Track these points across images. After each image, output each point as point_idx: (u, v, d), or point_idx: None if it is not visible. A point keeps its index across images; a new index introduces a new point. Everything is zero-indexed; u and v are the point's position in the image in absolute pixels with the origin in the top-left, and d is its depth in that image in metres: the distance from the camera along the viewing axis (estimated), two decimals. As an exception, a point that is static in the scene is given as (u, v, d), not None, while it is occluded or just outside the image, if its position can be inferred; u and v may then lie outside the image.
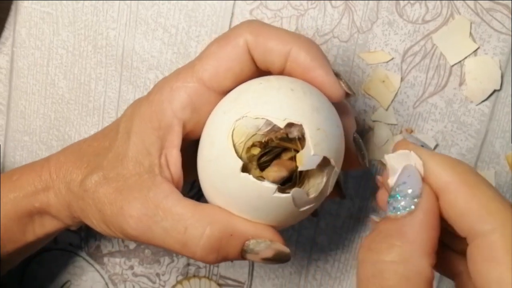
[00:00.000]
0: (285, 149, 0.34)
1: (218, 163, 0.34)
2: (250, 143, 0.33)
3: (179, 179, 0.36)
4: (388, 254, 0.30)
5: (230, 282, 0.49)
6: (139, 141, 0.36)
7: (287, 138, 0.33)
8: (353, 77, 0.43)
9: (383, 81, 0.43)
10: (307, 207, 0.34)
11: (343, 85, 0.35)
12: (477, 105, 0.43)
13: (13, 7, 0.46)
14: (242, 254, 0.35)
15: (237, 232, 0.34)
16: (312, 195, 0.34)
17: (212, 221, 0.34)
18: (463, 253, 0.31)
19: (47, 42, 0.46)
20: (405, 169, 0.32)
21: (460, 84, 0.42)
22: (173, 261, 0.49)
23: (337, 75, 0.35)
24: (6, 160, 0.49)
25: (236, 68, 0.35)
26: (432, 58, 0.42)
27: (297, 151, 0.33)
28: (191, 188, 0.38)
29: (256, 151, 0.33)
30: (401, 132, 0.44)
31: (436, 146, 0.44)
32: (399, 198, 0.31)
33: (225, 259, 0.35)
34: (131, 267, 0.50)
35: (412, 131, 0.44)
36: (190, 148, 0.37)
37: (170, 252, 0.48)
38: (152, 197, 0.35)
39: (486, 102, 0.43)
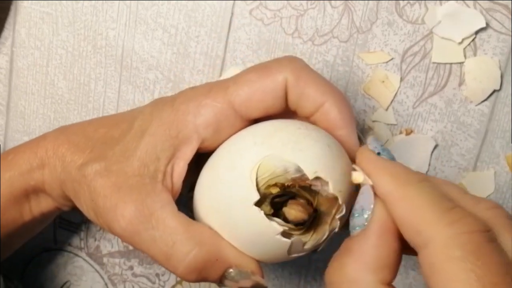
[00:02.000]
0: (295, 196, 0.34)
1: (233, 188, 0.33)
2: (273, 181, 0.33)
3: (177, 191, 0.36)
4: (340, 273, 0.31)
5: (229, 282, 0.49)
6: (152, 144, 0.36)
7: (308, 188, 0.33)
8: (352, 77, 0.43)
9: (383, 81, 0.43)
10: (295, 255, 0.35)
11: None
12: (476, 105, 0.43)
13: (12, 7, 0.46)
14: (221, 279, 0.35)
15: (222, 258, 0.34)
16: (306, 247, 0.34)
17: (201, 242, 0.34)
18: None
19: (46, 42, 0.46)
20: (361, 188, 0.33)
21: (460, 84, 0.42)
22: (172, 261, 0.49)
23: (359, 137, 0.36)
24: (6, 160, 0.49)
25: (269, 102, 0.36)
26: (432, 58, 0.42)
27: (311, 203, 0.33)
28: (190, 188, 0.38)
29: (275, 190, 0.33)
30: (400, 133, 0.44)
31: (436, 146, 0.44)
32: (355, 216, 0.32)
33: (204, 280, 0.35)
34: (131, 268, 0.50)
35: (411, 131, 0.44)
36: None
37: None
38: (149, 203, 0.35)
39: (486, 102, 0.43)
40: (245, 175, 0.33)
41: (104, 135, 0.38)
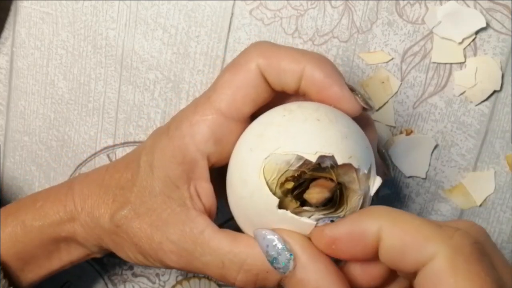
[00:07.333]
0: (317, 178, 0.34)
1: (253, 200, 0.33)
2: (283, 179, 0.33)
3: (211, 210, 0.36)
4: None
5: (230, 282, 0.49)
6: (163, 175, 0.36)
7: (319, 168, 0.33)
8: (352, 77, 0.43)
9: (383, 82, 0.43)
10: None
11: (359, 99, 0.35)
12: (477, 105, 0.43)
13: (12, 7, 0.46)
14: (279, 287, 0.35)
15: (272, 270, 0.34)
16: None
17: (248, 256, 0.34)
18: None
19: (46, 42, 0.46)
20: (258, 235, 0.33)
21: (460, 84, 0.42)
22: (173, 261, 0.49)
23: (352, 90, 0.35)
24: (6, 160, 0.49)
25: (252, 94, 0.35)
26: (432, 58, 0.42)
27: (332, 180, 0.33)
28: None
29: (290, 185, 0.33)
30: (400, 133, 0.44)
31: (436, 146, 0.44)
32: (277, 256, 0.33)
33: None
34: (131, 268, 0.50)
35: (412, 131, 0.44)
36: (214, 172, 0.37)
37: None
38: (188, 232, 0.35)
39: (486, 102, 0.43)
40: (256, 184, 0.33)
41: (119, 179, 0.38)
